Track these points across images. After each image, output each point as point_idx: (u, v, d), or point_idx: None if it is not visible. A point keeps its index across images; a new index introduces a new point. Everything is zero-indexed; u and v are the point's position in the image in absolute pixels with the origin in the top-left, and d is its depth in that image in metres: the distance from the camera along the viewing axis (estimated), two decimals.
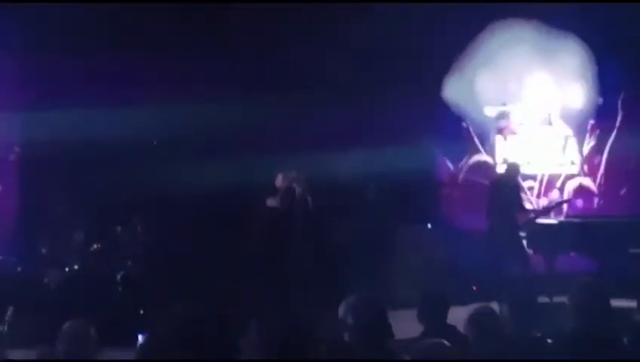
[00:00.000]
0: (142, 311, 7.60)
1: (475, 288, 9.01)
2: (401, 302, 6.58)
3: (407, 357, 3.59)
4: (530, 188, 11.18)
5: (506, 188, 9.78)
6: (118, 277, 7.93)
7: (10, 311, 7.08)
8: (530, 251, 9.70)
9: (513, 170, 10.04)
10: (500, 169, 10.70)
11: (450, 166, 10.91)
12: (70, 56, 8.87)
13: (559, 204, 11.13)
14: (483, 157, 11.09)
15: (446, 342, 3.47)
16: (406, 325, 5.02)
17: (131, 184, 8.35)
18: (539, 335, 4.62)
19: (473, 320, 4.52)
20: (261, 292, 7.60)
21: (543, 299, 7.33)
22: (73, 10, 8.82)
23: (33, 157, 8.97)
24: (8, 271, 7.94)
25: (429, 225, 10.10)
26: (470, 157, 11.04)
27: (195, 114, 8.66)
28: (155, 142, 8.72)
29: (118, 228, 8.30)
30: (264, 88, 9.09)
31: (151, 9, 9.13)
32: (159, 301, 7.39)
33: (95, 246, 8.20)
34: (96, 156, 8.67)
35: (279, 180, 8.39)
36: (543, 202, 11.16)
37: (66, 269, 8.06)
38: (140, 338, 6.29)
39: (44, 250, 8.29)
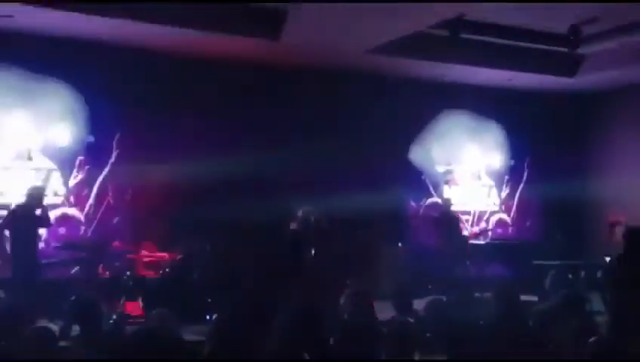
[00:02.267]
0: (209, 300, 7.51)
1: (430, 286, 8.84)
2: (381, 295, 6.50)
3: None
4: (467, 220, 11.19)
5: (447, 217, 9.89)
6: (195, 276, 7.89)
7: (122, 300, 7.19)
8: (468, 262, 9.73)
9: (448, 202, 10.13)
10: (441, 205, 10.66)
11: (414, 204, 10.91)
12: (167, 129, 8.85)
13: (485, 231, 11.21)
14: (435, 199, 11.05)
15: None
16: (384, 309, 5.07)
17: (205, 214, 8.25)
18: (472, 318, 4.65)
19: (429, 307, 4.66)
20: (286, 286, 7.45)
21: (475, 294, 7.31)
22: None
23: (139, 197, 8.88)
24: (122, 273, 7.84)
25: (400, 244, 10.04)
26: (427, 199, 11.03)
27: (246, 170, 8.64)
28: (217, 188, 8.54)
29: (195, 244, 8.17)
30: (292, 156, 9.07)
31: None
32: (221, 293, 7.38)
33: (178, 256, 8.07)
34: (179, 197, 8.59)
35: (299, 213, 8.53)
36: (475, 229, 11.14)
37: (160, 271, 8.03)
38: (208, 317, 6.14)
39: None
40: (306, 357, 2.87)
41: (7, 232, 7.03)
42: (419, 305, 4.92)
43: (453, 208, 10.12)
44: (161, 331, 3.64)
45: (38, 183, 7.92)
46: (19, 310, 4.29)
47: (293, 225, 8.30)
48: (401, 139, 10.51)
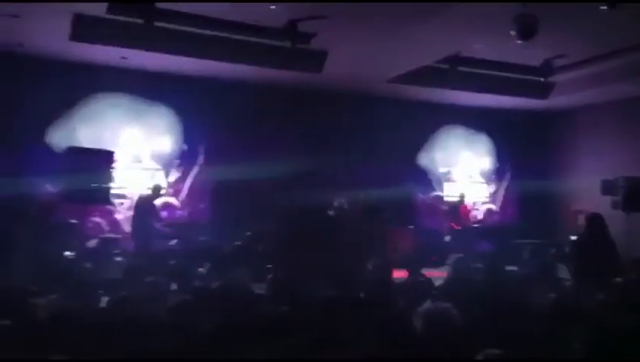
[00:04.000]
0: (270, 264, 7.40)
1: (434, 258, 8.50)
2: (398, 264, 6.37)
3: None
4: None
5: (455, 208, 9.85)
6: (260, 248, 7.84)
7: (207, 264, 7.26)
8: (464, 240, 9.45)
9: (462, 197, 10.14)
10: (452, 198, 10.54)
11: (422, 196, 10.79)
12: (238, 138, 8.93)
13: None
14: (438, 193, 10.94)
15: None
16: (400, 274, 5.05)
17: (266, 203, 8.27)
18: (469, 279, 4.54)
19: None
20: (325, 250, 7.26)
21: (472, 264, 7.16)
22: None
23: (219, 189, 8.98)
24: (207, 244, 7.85)
25: (411, 226, 9.86)
26: (431, 193, 10.90)
27: (297, 170, 8.62)
28: (276, 184, 8.42)
29: (259, 225, 8.10)
30: (331, 160, 9.02)
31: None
32: (279, 258, 7.27)
33: (248, 233, 8.04)
34: (247, 190, 8.56)
35: (335, 202, 8.48)
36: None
37: (234, 244, 7.97)
38: (270, 275, 5.99)
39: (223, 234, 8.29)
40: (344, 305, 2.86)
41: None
42: (427, 271, 4.90)
43: (461, 197, 10.06)
44: (238, 285, 3.75)
45: (158, 183, 8.14)
46: (136, 270, 4.44)
47: (330, 211, 8.39)
48: (411, 147, 10.49)
